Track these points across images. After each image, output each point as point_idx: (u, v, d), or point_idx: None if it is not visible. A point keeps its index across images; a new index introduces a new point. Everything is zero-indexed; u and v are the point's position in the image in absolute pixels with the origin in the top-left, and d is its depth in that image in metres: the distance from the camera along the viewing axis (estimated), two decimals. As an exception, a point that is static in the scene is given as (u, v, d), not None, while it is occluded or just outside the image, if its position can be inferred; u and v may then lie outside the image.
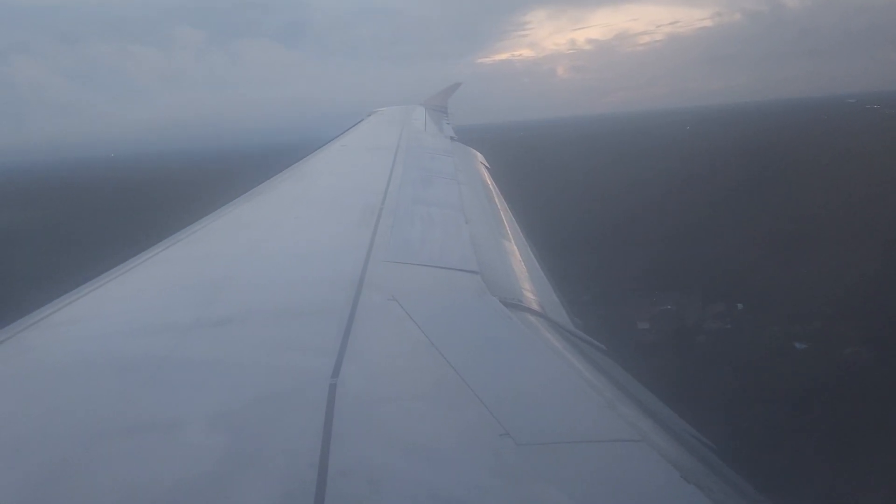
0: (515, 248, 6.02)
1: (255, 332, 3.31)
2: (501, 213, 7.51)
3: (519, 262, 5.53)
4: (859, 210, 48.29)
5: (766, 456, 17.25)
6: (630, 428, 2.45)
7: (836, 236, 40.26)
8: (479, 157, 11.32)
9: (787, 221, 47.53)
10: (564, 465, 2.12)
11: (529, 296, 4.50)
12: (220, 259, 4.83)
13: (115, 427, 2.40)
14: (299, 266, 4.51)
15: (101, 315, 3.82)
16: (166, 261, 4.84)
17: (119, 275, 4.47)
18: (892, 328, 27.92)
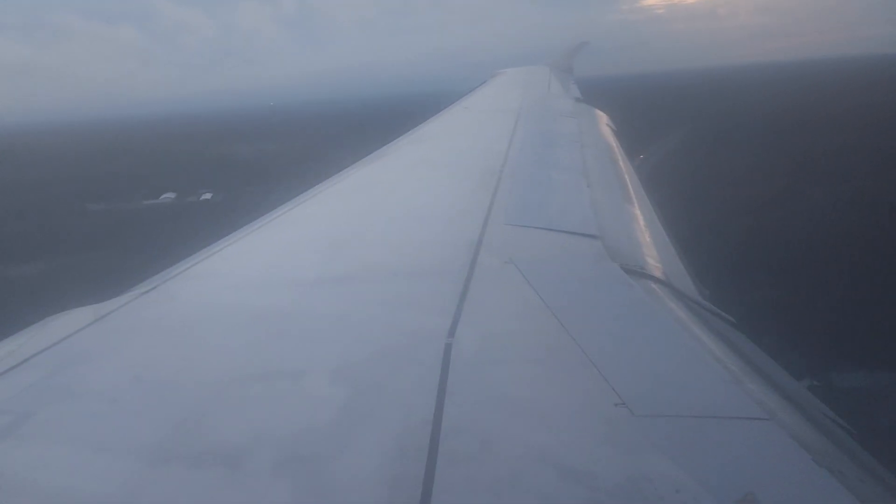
0: (640, 213, 5.79)
1: (374, 289, 3.40)
2: (626, 176, 7.24)
3: (643, 229, 5.32)
4: None
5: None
6: (758, 406, 2.30)
7: None
8: (605, 118, 10.94)
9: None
10: (683, 440, 2.03)
11: (653, 263, 4.32)
12: (344, 219, 5.00)
13: (244, 374, 2.56)
14: (419, 227, 4.57)
15: (235, 269, 4.07)
16: (295, 219, 5.08)
17: (252, 231, 4.74)
18: None
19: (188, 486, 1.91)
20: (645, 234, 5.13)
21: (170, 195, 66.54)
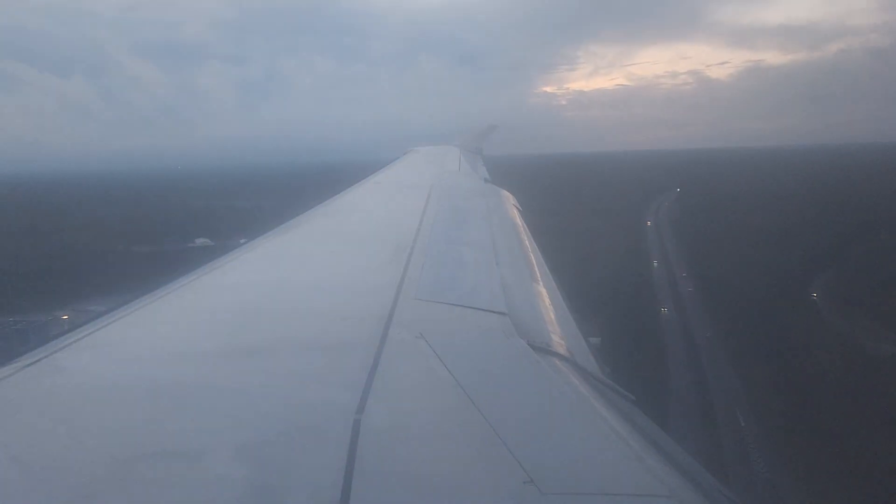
0: (545, 291, 5.99)
1: (282, 363, 3.32)
2: (532, 255, 7.50)
3: (548, 306, 5.49)
4: None
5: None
6: (659, 482, 2.38)
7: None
8: (512, 199, 11.35)
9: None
10: None
11: (558, 340, 4.45)
12: (251, 290, 4.89)
13: (139, 452, 2.41)
14: (329, 300, 4.53)
15: (131, 340, 3.87)
16: (200, 288, 4.92)
17: (153, 301, 4.54)
18: None
19: None
20: (550, 312, 5.30)
21: (204, 240, 67.98)
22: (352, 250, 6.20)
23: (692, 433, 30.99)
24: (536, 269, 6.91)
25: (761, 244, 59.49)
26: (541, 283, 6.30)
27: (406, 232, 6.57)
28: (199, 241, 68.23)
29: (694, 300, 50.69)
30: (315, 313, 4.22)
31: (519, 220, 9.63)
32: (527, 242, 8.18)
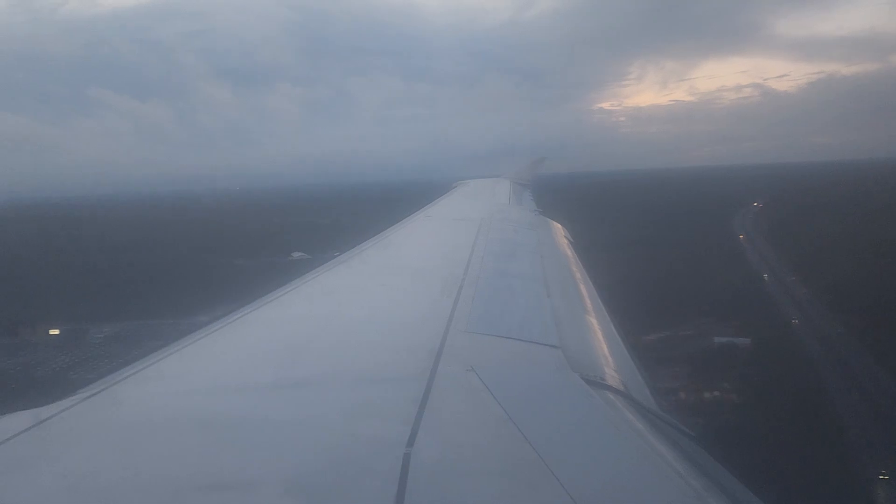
0: (598, 324, 5.88)
1: (333, 396, 3.33)
2: (584, 287, 7.39)
3: (601, 339, 5.38)
4: None
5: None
6: None
7: None
8: (563, 230, 11.27)
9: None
10: None
11: (612, 374, 4.35)
12: (304, 323, 4.95)
13: (190, 485, 2.44)
14: (380, 333, 4.55)
15: (186, 373, 3.95)
16: (253, 322, 5.00)
17: (207, 334, 4.64)
18: None
19: None
20: (603, 345, 5.19)
21: (300, 253, 69.83)
22: (403, 283, 6.23)
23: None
24: (588, 300, 6.80)
25: (861, 251, 56.95)
26: (593, 314, 6.19)
27: (457, 265, 6.57)
28: (296, 255, 69.50)
29: (820, 308, 48.31)
30: (366, 346, 4.23)
31: (569, 251, 9.54)
32: (578, 274, 8.08)
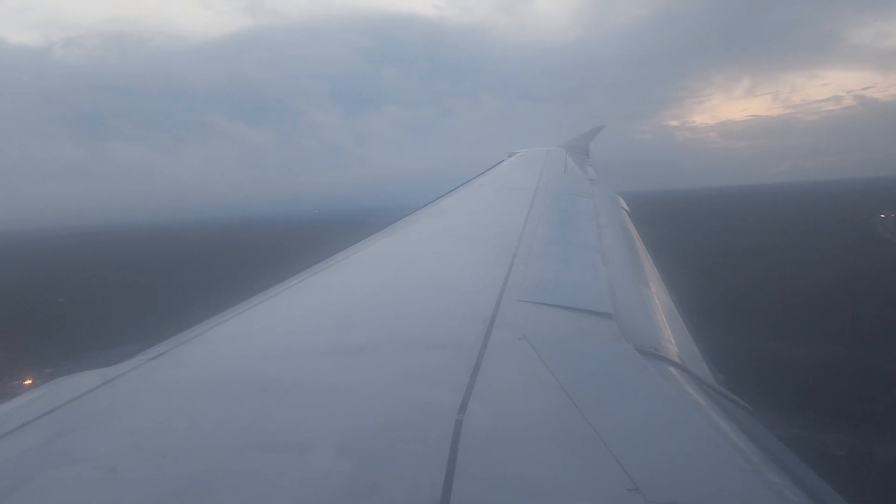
0: (655, 295, 5.77)
1: (386, 361, 3.38)
2: (642, 258, 7.26)
3: (658, 310, 5.29)
4: None
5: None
6: (777, 498, 2.22)
7: None
8: (621, 200, 11.05)
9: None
10: None
11: (668, 345, 4.28)
12: (359, 289, 5.02)
13: (249, 443, 2.52)
14: (434, 300, 4.58)
15: (246, 337, 4.07)
16: (310, 289, 5.10)
17: (267, 299, 4.76)
18: None
19: None
20: (660, 316, 5.10)
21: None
22: (456, 251, 6.24)
23: None
24: (647, 271, 6.68)
25: None
26: (651, 285, 6.08)
27: (510, 233, 6.53)
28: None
29: None
30: (420, 312, 4.27)
31: (628, 222, 9.36)
32: (636, 245, 7.93)
